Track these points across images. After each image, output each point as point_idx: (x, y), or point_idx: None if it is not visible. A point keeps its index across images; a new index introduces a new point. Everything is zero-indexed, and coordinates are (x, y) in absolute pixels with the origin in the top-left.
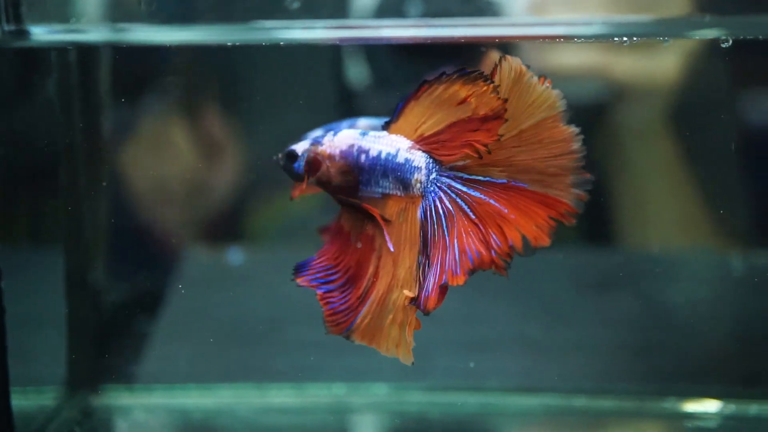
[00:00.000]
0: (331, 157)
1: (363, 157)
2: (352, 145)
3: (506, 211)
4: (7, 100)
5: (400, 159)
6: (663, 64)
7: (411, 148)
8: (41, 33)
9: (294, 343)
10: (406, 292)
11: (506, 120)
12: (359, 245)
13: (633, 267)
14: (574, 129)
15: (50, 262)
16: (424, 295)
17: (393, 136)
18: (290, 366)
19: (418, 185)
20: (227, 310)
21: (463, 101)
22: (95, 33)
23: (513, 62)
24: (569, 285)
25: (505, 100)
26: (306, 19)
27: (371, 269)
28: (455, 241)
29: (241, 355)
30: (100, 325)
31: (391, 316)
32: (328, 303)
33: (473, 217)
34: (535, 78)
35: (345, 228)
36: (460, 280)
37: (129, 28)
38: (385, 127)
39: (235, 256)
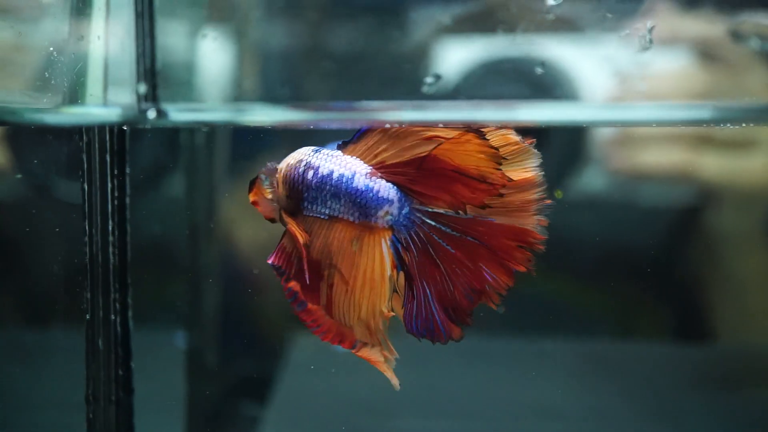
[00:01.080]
0: (278, 170)
1: (310, 173)
2: (300, 161)
3: (488, 247)
4: (144, 180)
5: (358, 184)
6: (759, 163)
7: (371, 174)
8: (175, 113)
9: None
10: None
11: (501, 195)
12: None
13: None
14: (538, 173)
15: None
16: (443, 328)
17: (348, 157)
18: None
19: (389, 217)
20: (333, 396)
21: (430, 138)
22: (219, 113)
23: (507, 131)
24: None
25: (508, 179)
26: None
27: (323, 299)
28: (457, 275)
29: None
30: (214, 407)
31: (366, 348)
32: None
33: (455, 253)
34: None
35: (286, 248)
36: (467, 320)
37: (248, 108)
38: (341, 147)
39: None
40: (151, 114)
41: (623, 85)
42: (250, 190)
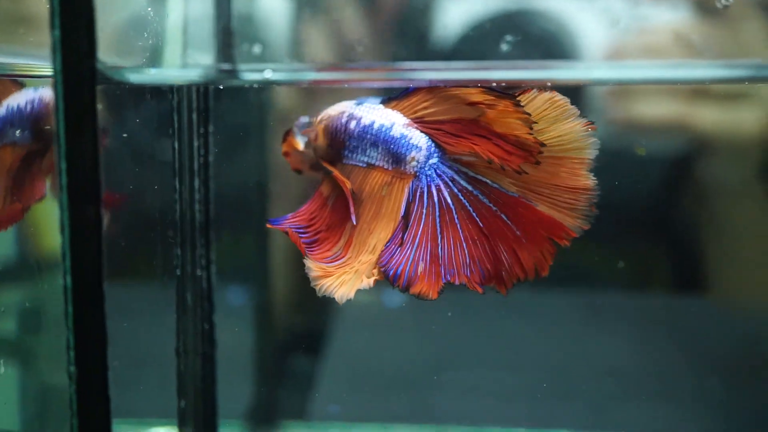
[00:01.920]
0: (319, 121)
1: (353, 123)
2: (343, 112)
3: (518, 233)
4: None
5: (395, 132)
6: (751, 115)
7: (408, 125)
8: (246, 72)
9: (454, 387)
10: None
11: (537, 162)
12: (331, 210)
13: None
14: (593, 181)
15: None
16: (408, 273)
17: (388, 110)
18: (459, 411)
19: (414, 163)
20: (384, 350)
21: (474, 103)
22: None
23: (552, 94)
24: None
25: (542, 144)
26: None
27: (342, 240)
28: (462, 245)
29: (404, 397)
30: (276, 362)
31: (351, 266)
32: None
33: (481, 225)
34: (576, 115)
35: (324, 193)
36: (477, 288)
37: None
38: (384, 102)
39: (392, 298)
40: (268, 73)
41: (621, 38)
42: (284, 141)
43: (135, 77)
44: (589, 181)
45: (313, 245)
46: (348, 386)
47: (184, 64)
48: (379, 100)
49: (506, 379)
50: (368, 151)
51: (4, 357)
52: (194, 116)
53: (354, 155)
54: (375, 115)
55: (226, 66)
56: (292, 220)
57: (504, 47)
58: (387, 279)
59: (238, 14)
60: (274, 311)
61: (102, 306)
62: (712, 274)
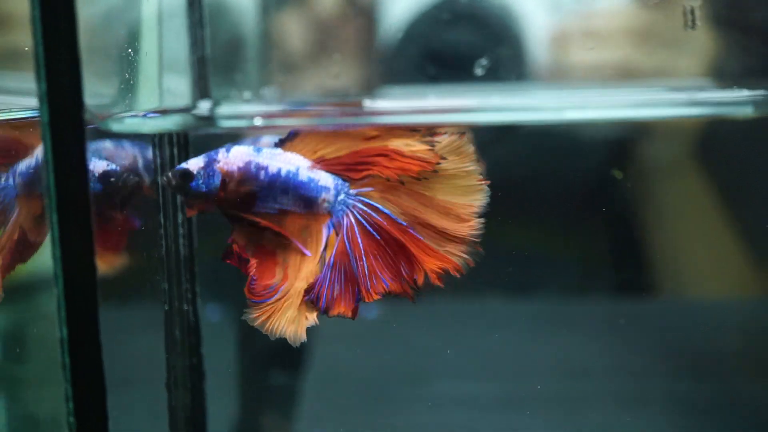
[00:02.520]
0: (229, 174)
1: (262, 173)
2: (249, 162)
3: (407, 246)
4: None
5: (302, 177)
6: None
7: (312, 167)
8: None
9: (440, 398)
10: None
11: (435, 171)
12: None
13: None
14: (478, 221)
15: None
16: (327, 297)
17: (289, 154)
18: (438, 423)
19: (326, 204)
20: (369, 365)
21: (372, 138)
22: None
23: (460, 140)
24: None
25: (442, 157)
26: None
27: (276, 278)
28: (365, 260)
29: (385, 411)
30: (259, 382)
31: (290, 300)
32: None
33: (379, 239)
34: (477, 169)
35: (239, 245)
36: (371, 298)
37: None
38: (279, 145)
39: (370, 309)
40: (258, 122)
41: (565, 22)
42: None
43: (116, 126)
44: (476, 223)
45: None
46: (329, 402)
47: (161, 105)
48: (273, 140)
49: (481, 388)
50: (278, 197)
51: None
52: (175, 153)
53: (265, 204)
54: (279, 161)
55: (204, 107)
56: None
57: (449, 34)
58: (312, 305)
59: (214, 45)
60: (255, 330)
61: (100, 357)
62: (666, 267)
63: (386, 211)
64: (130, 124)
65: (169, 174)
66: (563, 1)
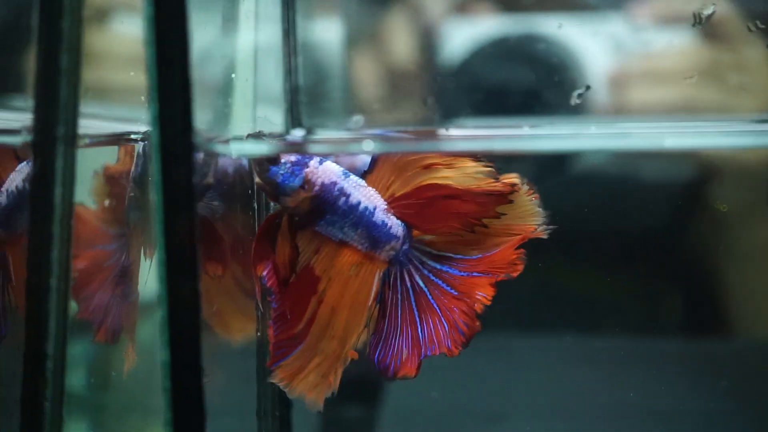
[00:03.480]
0: (311, 183)
1: (342, 200)
2: (335, 183)
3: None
4: None
5: (377, 218)
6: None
7: (387, 210)
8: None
9: None
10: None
11: (510, 201)
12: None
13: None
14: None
15: None
16: (394, 362)
17: (372, 190)
18: None
19: (392, 252)
20: (444, 401)
21: (429, 166)
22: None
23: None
24: None
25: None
26: None
27: (308, 314)
28: (439, 317)
29: None
30: (334, 413)
31: (315, 362)
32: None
33: (455, 293)
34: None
35: (291, 253)
36: (455, 353)
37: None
38: (363, 176)
39: None
40: (368, 145)
41: (626, 62)
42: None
43: (220, 149)
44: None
45: (279, 322)
46: None
47: (255, 129)
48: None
49: (559, 427)
50: (346, 229)
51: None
52: None
53: (330, 228)
54: (362, 194)
55: (297, 134)
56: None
57: (510, 73)
58: (378, 369)
59: (306, 73)
60: None
61: (200, 381)
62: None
63: (455, 255)
64: (232, 148)
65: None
66: (624, 41)
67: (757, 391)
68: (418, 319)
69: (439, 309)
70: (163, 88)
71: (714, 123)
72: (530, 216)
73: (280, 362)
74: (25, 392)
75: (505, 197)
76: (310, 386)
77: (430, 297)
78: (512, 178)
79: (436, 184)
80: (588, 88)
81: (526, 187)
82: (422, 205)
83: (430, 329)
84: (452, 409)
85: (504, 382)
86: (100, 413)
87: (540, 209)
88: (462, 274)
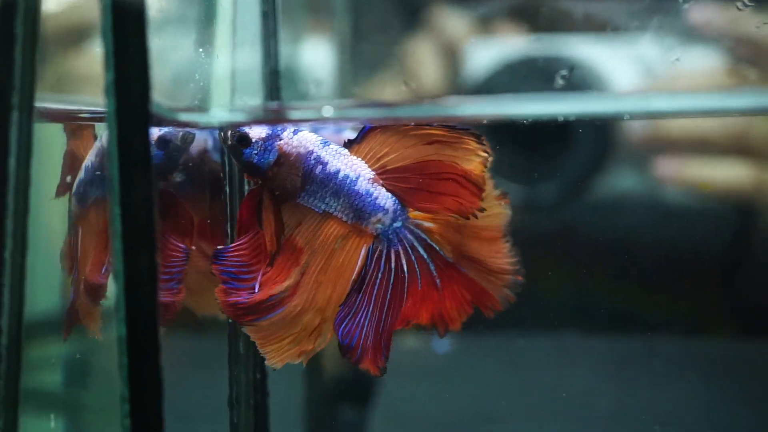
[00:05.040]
0: (285, 155)
1: (319, 168)
2: (311, 152)
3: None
4: None
5: (360, 187)
6: None
7: (374, 180)
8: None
9: None
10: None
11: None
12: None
13: None
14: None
15: None
16: (361, 345)
17: (355, 159)
18: None
19: (379, 225)
20: (440, 402)
21: (434, 142)
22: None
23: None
24: None
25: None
26: None
27: (289, 282)
28: (403, 314)
29: None
30: (324, 412)
31: (295, 332)
32: (230, 295)
33: (429, 295)
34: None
35: (276, 226)
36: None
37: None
38: (347, 146)
39: (441, 344)
40: (327, 111)
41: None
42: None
43: (185, 118)
44: (509, 262)
45: (252, 290)
46: None
47: (232, 106)
48: (343, 131)
49: (560, 429)
50: (327, 199)
51: (53, 410)
52: None
53: (311, 199)
54: (341, 162)
55: (273, 105)
56: (233, 255)
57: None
58: (340, 347)
59: (285, 56)
60: (322, 359)
61: (158, 357)
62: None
63: (441, 252)
64: (202, 116)
65: (229, 132)
66: (651, 62)
67: (756, 391)
68: (386, 306)
69: (407, 302)
70: (119, 55)
71: None
72: (496, 216)
73: (258, 321)
74: None
75: (482, 191)
76: (281, 351)
77: (406, 287)
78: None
79: (441, 161)
80: (572, 69)
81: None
82: (420, 182)
83: (392, 322)
84: (448, 410)
85: (500, 382)
86: (76, 411)
87: (503, 209)
88: (436, 274)
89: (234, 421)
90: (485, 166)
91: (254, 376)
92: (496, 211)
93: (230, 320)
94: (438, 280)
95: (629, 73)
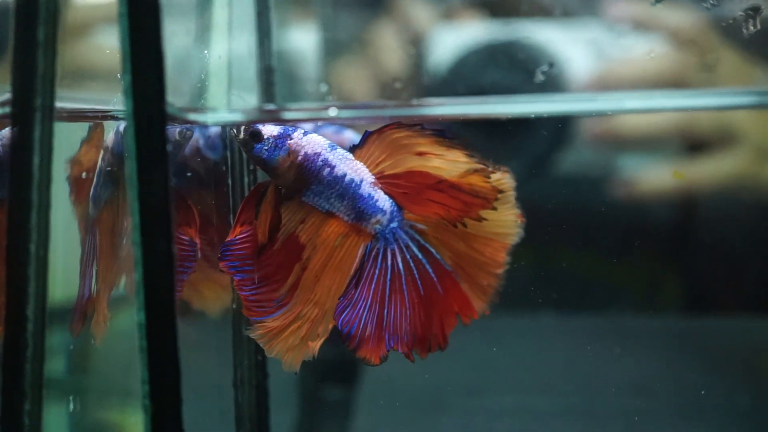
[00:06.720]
0: (294, 153)
1: (326, 170)
2: (319, 154)
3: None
4: None
5: (364, 191)
6: None
7: (375, 183)
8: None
9: (496, 411)
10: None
11: (494, 208)
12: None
13: None
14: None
15: None
16: (359, 334)
17: (359, 163)
18: None
19: (378, 225)
20: (424, 377)
21: (421, 154)
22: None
23: (501, 175)
24: None
25: (500, 191)
26: None
27: (291, 279)
28: (406, 312)
29: (440, 423)
30: (314, 391)
31: (296, 325)
32: (242, 289)
33: (422, 294)
34: (513, 203)
35: (273, 221)
36: (409, 354)
37: None
38: (351, 150)
39: None
40: (332, 111)
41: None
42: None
43: (193, 117)
44: (502, 268)
45: (261, 285)
46: (384, 414)
47: (228, 103)
48: (343, 132)
49: (539, 401)
50: (332, 200)
51: (58, 396)
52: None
53: (316, 198)
54: (348, 167)
55: (269, 107)
56: (238, 249)
57: (492, 77)
58: (339, 336)
59: (279, 53)
60: None
61: (175, 341)
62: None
63: (437, 255)
64: (202, 116)
65: (242, 128)
66: (604, 47)
67: (730, 366)
68: (387, 301)
69: (408, 300)
70: (136, 58)
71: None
72: (507, 229)
73: (261, 319)
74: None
75: (489, 202)
76: (288, 348)
77: (404, 283)
78: (501, 181)
79: (427, 172)
80: (551, 65)
81: (511, 196)
82: (410, 189)
83: (395, 316)
84: (432, 383)
85: (484, 357)
86: (80, 396)
87: (518, 227)
88: (434, 277)
89: (239, 400)
90: (488, 177)
91: (256, 358)
92: (508, 226)
93: (234, 306)
94: (439, 286)
95: (582, 57)
